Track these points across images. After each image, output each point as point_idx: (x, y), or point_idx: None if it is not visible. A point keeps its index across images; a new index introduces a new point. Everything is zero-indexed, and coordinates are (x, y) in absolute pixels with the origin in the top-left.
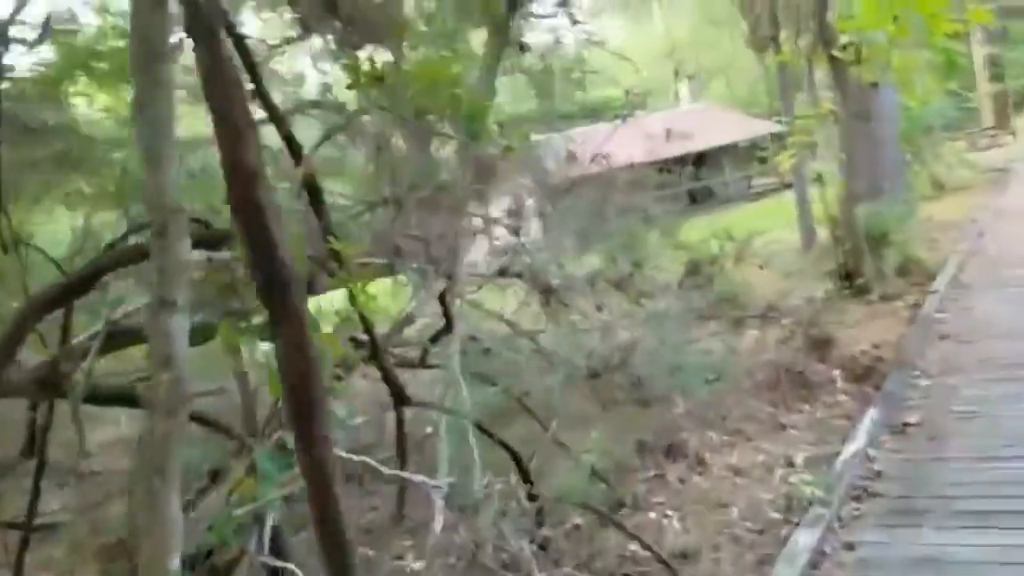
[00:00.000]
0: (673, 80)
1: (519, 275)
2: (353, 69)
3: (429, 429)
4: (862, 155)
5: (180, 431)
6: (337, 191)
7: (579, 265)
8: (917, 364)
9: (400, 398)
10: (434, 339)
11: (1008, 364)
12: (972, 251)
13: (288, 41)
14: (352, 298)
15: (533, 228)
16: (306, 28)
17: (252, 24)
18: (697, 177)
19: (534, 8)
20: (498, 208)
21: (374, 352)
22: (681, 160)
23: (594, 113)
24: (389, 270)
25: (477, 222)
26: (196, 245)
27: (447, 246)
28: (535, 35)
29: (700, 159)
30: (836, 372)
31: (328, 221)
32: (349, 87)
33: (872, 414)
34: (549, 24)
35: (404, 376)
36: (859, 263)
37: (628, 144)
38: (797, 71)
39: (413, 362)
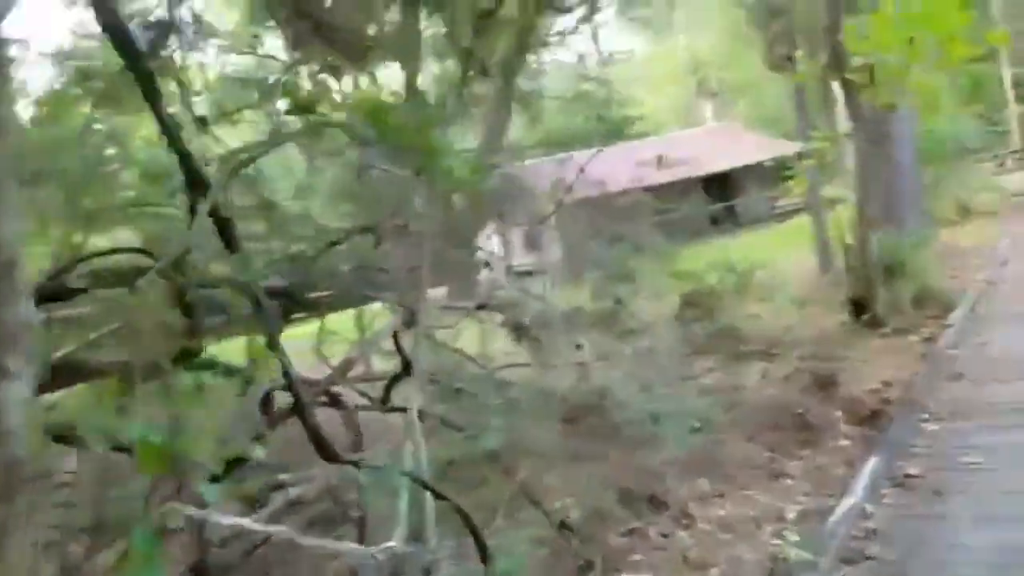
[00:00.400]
0: (696, 98)
1: (498, 309)
2: (291, 94)
3: None
4: (878, 180)
5: (22, 520)
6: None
7: (567, 298)
8: (926, 406)
9: (327, 455)
10: (394, 381)
11: (1022, 410)
12: (992, 281)
13: (297, 62)
14: (251, 351)
15: (518, 258)
16: (295, 49)
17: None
18: (721, 197)
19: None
20: (483, 238)
21: (297, 405)
22: (700, 181)
23: (611, 134)
24: (359, 301)
25: (458, 253)
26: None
27: (410, 279)
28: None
29: (724, 179)
30: (840, 414)
31: (242, 255)
32: (288, 113)
33: (873, 463)
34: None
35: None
36: (872, 293)
37: (644, 165)
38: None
39: (374, 404)
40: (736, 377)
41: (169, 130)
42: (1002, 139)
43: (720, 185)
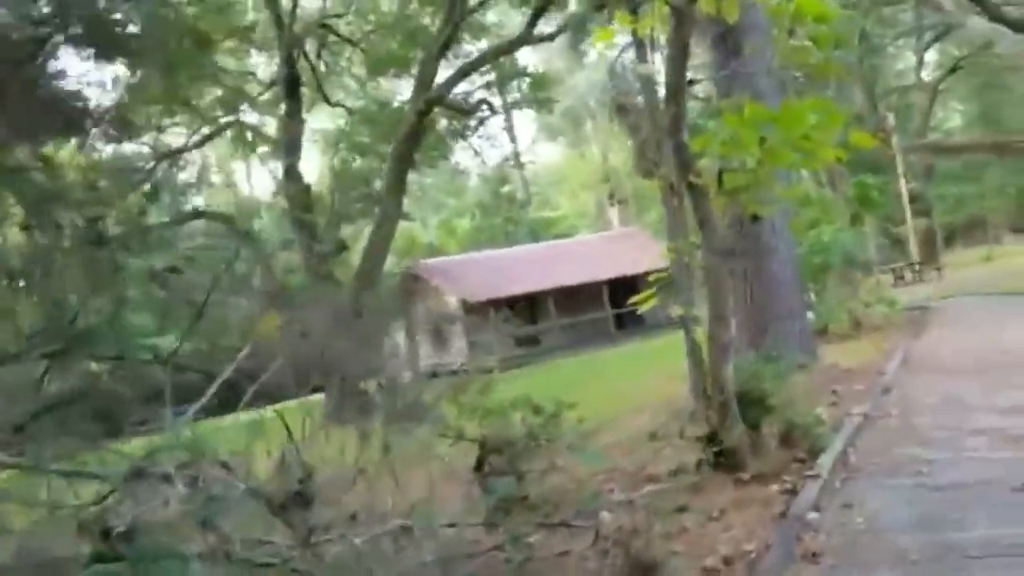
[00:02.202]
0: (606, 205)
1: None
2: None
3: None
4: (744, 296)
5: None
6: None
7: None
8: None
9: None
10: None
11: None
12: (871, 415)
13: None
14: None
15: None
16: None
17: None
18: (620, 303)
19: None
20: None
21: None
22: (606, 284)
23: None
24: None
25: None
26: None
27: None
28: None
29: (630, 284)
30: None
31: None
32: None
33: None
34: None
35: None
36: (729, 430)
37: (547, 268)
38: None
39: None
40: (539, 551)
41: None
42: (901, 252)
43: (626, 290)
